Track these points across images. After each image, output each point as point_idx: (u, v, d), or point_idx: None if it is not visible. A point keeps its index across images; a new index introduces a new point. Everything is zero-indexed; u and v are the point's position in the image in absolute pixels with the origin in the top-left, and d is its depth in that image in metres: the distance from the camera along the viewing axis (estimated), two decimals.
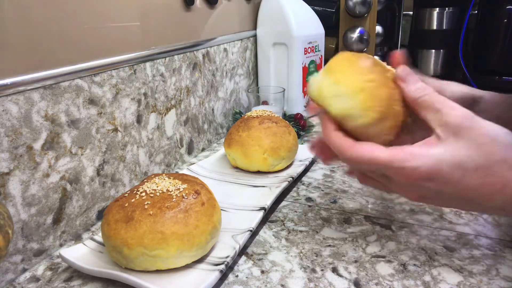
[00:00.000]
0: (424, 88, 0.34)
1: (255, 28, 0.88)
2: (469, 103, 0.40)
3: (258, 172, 0.61)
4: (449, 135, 0.31)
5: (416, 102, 0.33)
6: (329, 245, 0.44)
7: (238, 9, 0.81)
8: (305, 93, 0.88)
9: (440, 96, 0.33)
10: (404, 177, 0.32)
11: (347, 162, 0.35)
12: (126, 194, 0.41)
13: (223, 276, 0.40)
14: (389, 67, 0.37)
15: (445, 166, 0.31)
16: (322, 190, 0.57)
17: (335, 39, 1.00)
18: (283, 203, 0.54)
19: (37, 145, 0.42)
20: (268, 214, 0.51)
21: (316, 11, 0.90)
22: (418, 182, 0.32)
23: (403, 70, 0.35)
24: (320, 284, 0.38)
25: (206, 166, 0.63)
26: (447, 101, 0.32)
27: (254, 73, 0.92)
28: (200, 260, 0.40)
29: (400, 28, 1.13)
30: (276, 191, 0.53)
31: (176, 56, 0.63)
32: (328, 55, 0.99)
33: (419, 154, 0.31)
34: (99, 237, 0.43)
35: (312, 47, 0.86)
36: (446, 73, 1.10)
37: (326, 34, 0.90)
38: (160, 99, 0.61)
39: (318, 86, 0.35)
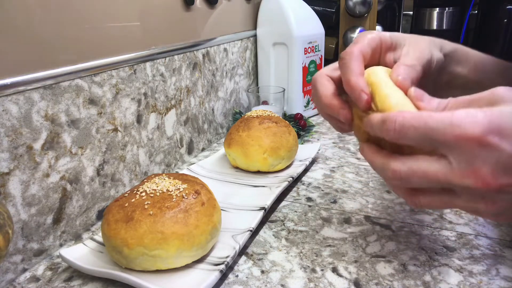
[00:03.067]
0: (443, 101, 0.30)
1: (255, 28, 0.88)
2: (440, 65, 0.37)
3: (258, 172, 0.61)
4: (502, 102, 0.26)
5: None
6: (329, 245, 0.44)
7: (238, 9, 0.81)
8: (305, 93, 0.88)
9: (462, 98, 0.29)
10: (467, 138, 0.25)
11: (393, 135, 0.28)
12: (126, 194, 0.41)
13: (223, 276, 0.40)
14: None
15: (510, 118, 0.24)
16: (322, 190, 0.57)
17: (335, 39, 1.00)
18: (283, 203, 0.54)
19: (37, 145, 0.42)
20: (268, 214, 0.51)
21: (316, 11, 0.90)
22: (487, 139, 0.24)
23: (415, 91, 0.31)
24: (320, 284, 0.38)
25: (206, 166, 0.63)
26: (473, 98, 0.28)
27: (254, 73, 0.92)
28: (200, 260, 0.40)
29: (400, 28, 1.12)
30: (276, 191, 0.53)
31: (176, 56, 0.63)
32: (328, 55, 1.00)
33: (474, 111, 0.25)
34: (99, 237, 0.44)
35: (312, 47, 0.86)
36: None
37: (326, 34, 0.90)
38: (160, 99, 0.61)
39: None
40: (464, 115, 0.25)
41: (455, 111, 0.26)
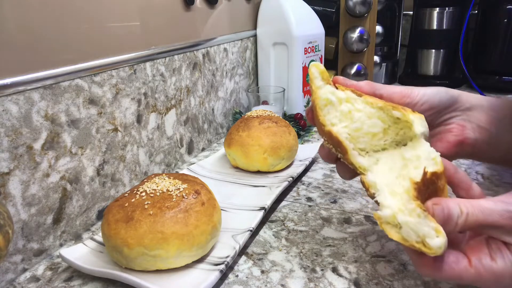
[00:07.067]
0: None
1: (255, 28, 0.88)
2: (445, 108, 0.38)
3: (258, 172, 0.61)
4: None
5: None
6: (329, 245, 0.44)
7: (238, 9, 0.81)
8: (305, 93, 0.88)
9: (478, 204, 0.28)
10: None
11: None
12: (126, 194, 0.41)
13: (223, 276, 0.40)
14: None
15: None
16: (322, 190, 0.57)
17: (335, 39, 1.00)
18: (283, 203, 0.54)
19: (37, 145, 0.42)
20: (268, 214, 0.51)
21: (316, 11, 0.90)
22: None
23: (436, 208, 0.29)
24: (320, 284, 0.38)
25: (206, 166, 0.63)
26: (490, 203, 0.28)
27: (254, 73, 0.92)
28: (200, 260, 0.40)
29: (400, 28, 1.13)
30: (276, 191, 0.53)
31: (176, 56, 0.63)
32: (328, 55, 1.00)
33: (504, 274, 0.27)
34: (99, 237, 0.44)
35: (312, 47, 0.86)
36: (446, 73, 1.10)
37: (326, 34, 0.90)
38: (160, 99, 0.61)
39: None
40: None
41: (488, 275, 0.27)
